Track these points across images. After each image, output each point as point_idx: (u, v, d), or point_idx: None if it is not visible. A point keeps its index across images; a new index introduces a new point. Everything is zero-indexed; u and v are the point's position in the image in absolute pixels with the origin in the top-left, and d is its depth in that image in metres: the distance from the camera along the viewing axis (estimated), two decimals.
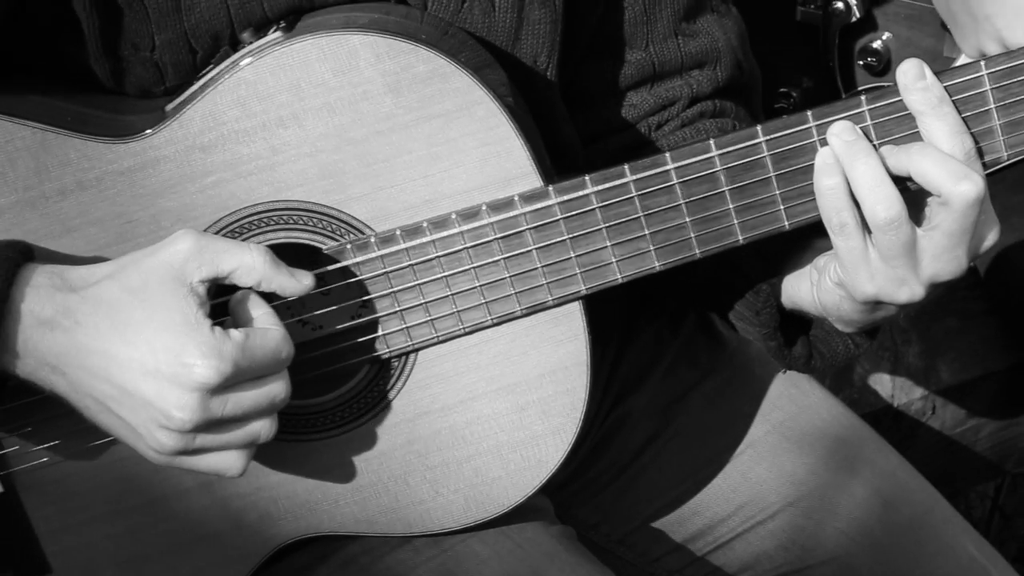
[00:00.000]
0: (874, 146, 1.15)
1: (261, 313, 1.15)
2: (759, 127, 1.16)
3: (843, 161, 1.15)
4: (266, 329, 1.14)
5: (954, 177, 1.13)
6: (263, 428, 1.15)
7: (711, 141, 1.16)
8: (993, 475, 2.08)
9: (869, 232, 1.16)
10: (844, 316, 1.24)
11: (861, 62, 1.71)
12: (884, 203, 1.14)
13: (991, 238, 1.18)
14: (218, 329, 1.12)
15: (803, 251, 1.27)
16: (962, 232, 1.15)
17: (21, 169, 1.16)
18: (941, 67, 1.64)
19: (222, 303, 1.17)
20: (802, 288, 1.26)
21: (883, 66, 1.70)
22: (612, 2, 1.33)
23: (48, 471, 1.23)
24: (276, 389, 1.14)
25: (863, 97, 1.15)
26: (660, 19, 1.34)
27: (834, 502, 1.41)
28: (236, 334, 1.12)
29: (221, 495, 1.24)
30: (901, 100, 1.15)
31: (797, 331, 1.31)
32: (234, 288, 1.16)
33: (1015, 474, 2.21)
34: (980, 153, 1.16)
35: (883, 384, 1.88)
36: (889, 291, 1.17)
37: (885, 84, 1.70)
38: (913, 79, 1.15)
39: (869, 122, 1.15)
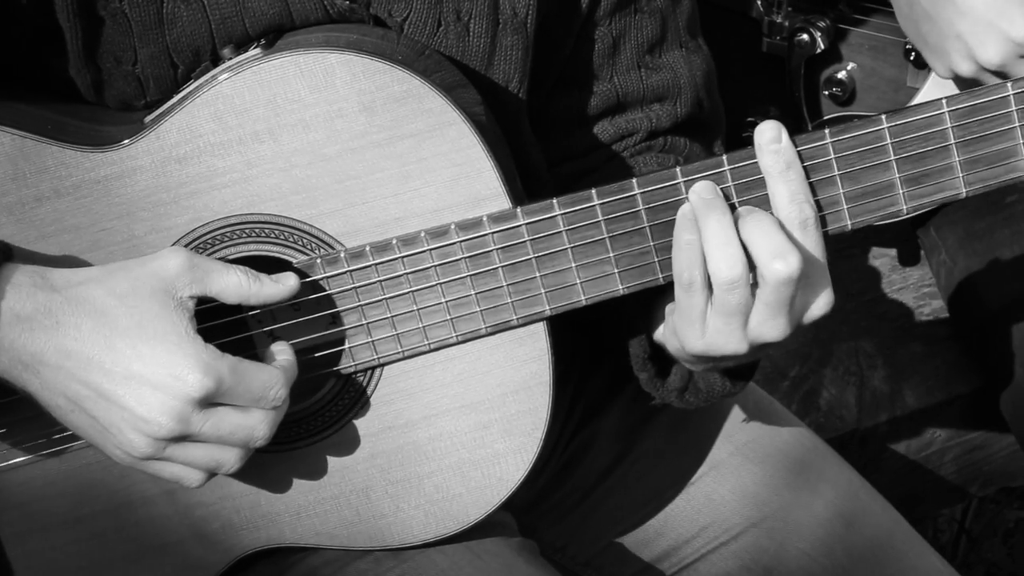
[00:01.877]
0: (733, 206, 1.18)
1: (281, 357, 1.18)
2: (725, 159, 1.18)
3: (698, 218, 1.18)
4: (262, 364, 1.16)
5: (770, 254, 1.16)
6: (229, 460, 1.16)
7: (678, 168, 1.18)
8: (959, 499, 2.10)
9: (711, 291, 1.19)
10: (684, 359, 1.27)
11: (826, 92, 1.74)
12: (727, 262, 1.17)
13: (818, 308, 1.20)
14: (211, 346, 1.13)
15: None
16: (778, 305, 1.18)
17: None
18: (905, 96, 1.69)
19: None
20: (660, 329, 1.29)
21: (848, 96, 1.73)
22: (583, 36, 1.36)
23: (13, 474, 1.24)
24: (257, 424, 1.15)
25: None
26: (625, 50, 1.37)
27: (797, 523, 1.43)
28: (230, 357, 1.14)
29: (184, 503, 1.25)
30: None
31: (672, 362, 1.33)
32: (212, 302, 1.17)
33: (981, 497, 2.24)
34: (824, 221, 1.18)
35: (849, 408, 1.90)
36: (717, 345, 1.20)
37: (850, 113, 1.73)
38: (768, 141, 1.18)
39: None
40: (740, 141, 1.74)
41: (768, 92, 1.75)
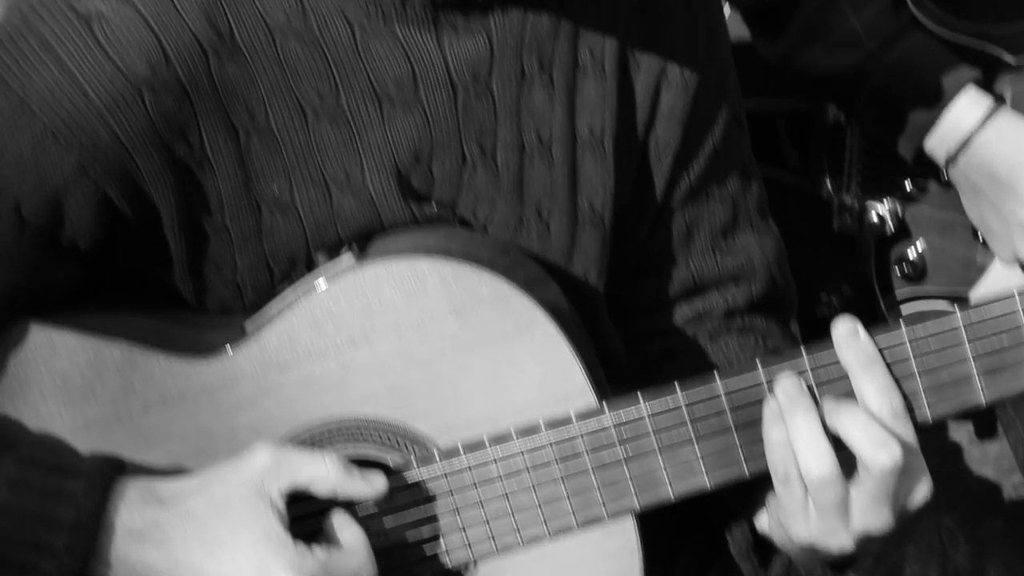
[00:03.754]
0: (816, 401, 1.21)
1: (350, 536, 1.20)
2: (805, 356, 1.22)
3: (785, 415, 1.21)
4: (350, 551, 1.19)
5: (873, 446, 1.19)
6: None
7: (760, 367, 1.22)
8: None
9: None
10: (790, 551, 1.29)
11: (898, 270, 1.76)
12: (817, 460, 1.19)
13: (920, 495, 1.23)
14: (301, 545, 1.17)
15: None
16: (883, 496, 1.20)
17: (109, 385, 1.23)
18: (976, 274, 1.71)
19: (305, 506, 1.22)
20: (763, 518, 1.31)
21: (919, 274, 1.75)
22: (659, 223, 1.41)
23: None
24: None
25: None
26: (699, 235, 1.42)
27: None
28: (319, 552, 1.18)
29: None
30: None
31: (772, 551, 1.34)
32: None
33: None
34: (910, 410, 1.21)
35: None
36: (822, 540, 1.22)
37: (923, 294, 1.76)
38: (846, 337, 1.22)
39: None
40: (814, 318, 1.78)
41: (840, 270, 1.78)
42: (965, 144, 1.61)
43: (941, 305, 1.75)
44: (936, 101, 1.61)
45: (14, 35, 1.21)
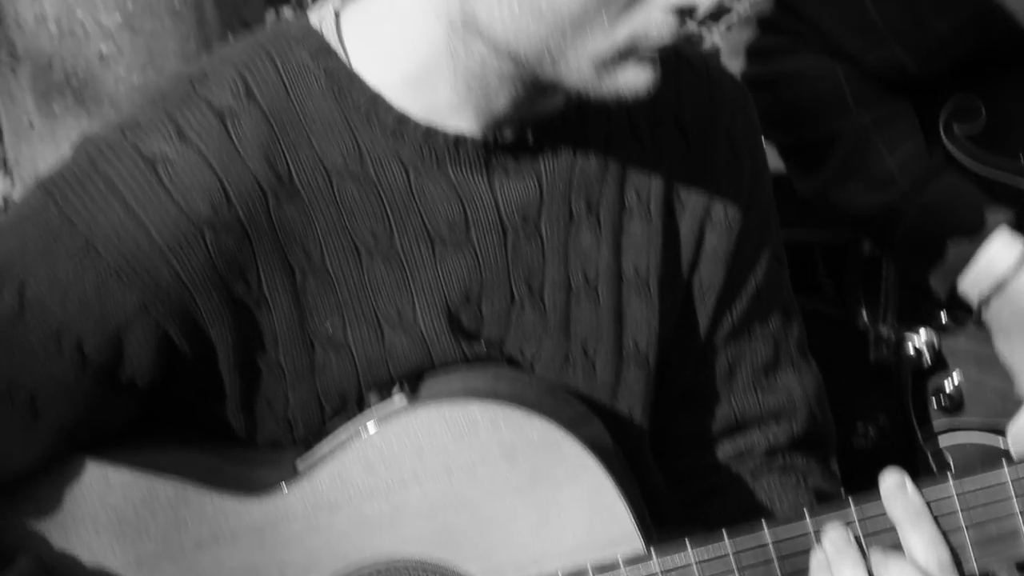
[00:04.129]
0: (864, 553, 1.22)
1: None
2: (852, 507, 1.23)
3: (832, 566, 1.23)
4: None
5: None
6: None
7: (808, 519, 1.23)
8: None
9: None
10: None
11: (935, 402, 1.77)
12: None
13: None
14: None
15: None
16: None
17: (161, 522, 1.25)
18: (1013, 407, 1.72)
19: None
20: None
21: (956, 406, 1.76)
22: (701, 361, 1.43)
23: None
24: None
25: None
26: (741, 373, 1.44)
27: None
28: None
29: None
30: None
31: None
32: None
33: None
34: (958, 564, 1.22)
35: None
36: None
37: (961, 427, 1.76)
38: (894, 490, 1.24)
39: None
40: (850, 449, 1.78)
41: (876, 401, 1.79)
42: (999, 288, 1.63)
43: (978, 436, 1.75)
44: (969, 242, 1.64)
45: (81, 177, 1.25)
